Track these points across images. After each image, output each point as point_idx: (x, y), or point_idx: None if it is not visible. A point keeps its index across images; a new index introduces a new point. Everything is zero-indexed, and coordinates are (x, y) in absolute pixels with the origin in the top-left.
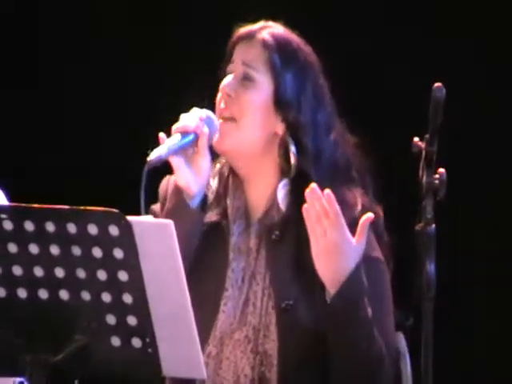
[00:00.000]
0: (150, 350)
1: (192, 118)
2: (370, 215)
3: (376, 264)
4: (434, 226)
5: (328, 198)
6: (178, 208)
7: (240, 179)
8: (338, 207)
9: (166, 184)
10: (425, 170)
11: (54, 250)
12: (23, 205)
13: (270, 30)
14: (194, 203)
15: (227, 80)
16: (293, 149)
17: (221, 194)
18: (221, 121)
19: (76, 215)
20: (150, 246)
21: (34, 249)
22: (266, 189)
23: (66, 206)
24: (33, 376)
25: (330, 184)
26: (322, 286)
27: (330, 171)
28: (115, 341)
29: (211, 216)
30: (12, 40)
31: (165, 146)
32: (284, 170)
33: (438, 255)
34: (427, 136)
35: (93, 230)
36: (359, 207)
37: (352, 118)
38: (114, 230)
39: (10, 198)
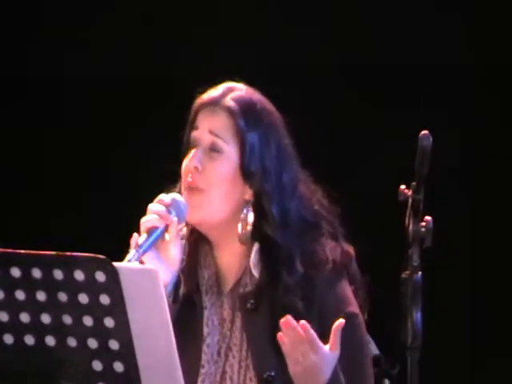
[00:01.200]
0: None
1: (157, 211)
2: (341, 321)
3: (351, 320)
4: (420, 273)
5: (303, 327)
6: None
7: (210, 245)
8: (313, 334)
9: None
10: (411, 217)
11: (41, 296)
12: (9, 251)
13: (233, 94)
14: (167, 290)
15: (194, 152)
16: (250, 218)
17: (191, 265)
18: (186, 192)
19: (62, 261)
20: (137, 292)
21: (20, 295)
22: (236, 254)
23: (53, 252)
24: None
25: (298, 243)
26: None
27: (298, 231)
28: None
29: (183, 288)
30: None
31: (134, 250)
32: (254, 237)
33: (424, 303)
34: (414, 184)
35: (79, 276)
36: (330, 264)
37: (338, 165)
38: (100, 276)
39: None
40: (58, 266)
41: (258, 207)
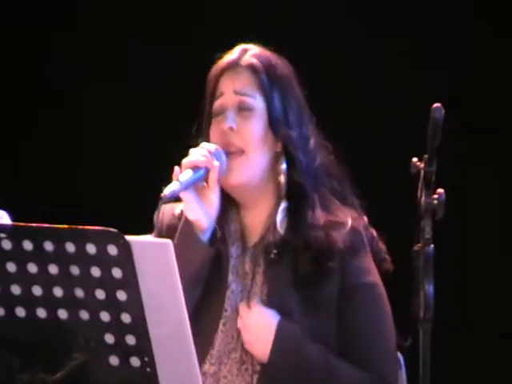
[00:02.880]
0: (148, 370)
1: (202, 153)
2: None
3: (370, 290)
4: (432, 246)
5: None
6: (190, 243)
7: (236, 205)
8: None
9: (162, 211)
10: (423, 190)
11: (53, 269)
12: (22, 224)
13: (250, 52)
14: (205, 237)
15: (224, 115)
16: (284, 166)
17: (217, 219)
18: (227, 154)
19: (75, 234)
20: (149, 266)
21: (32, 268)
22: (262, 213)
23: (65, 226)
24: None
25: (322, 202)
26: (325, 308)
27: (320, 180)
28: (114, 360)
29: (217, 243)
30: None
31: (178, 182)
32: (282, 191)
33: (436, 275)
34: (426, 156)
35: (91, 249)
36: (348, 226)
37: (351, 137)
38: (112, 250)
39: (14, 220)
40: (70, 239)
41: (287, 156)
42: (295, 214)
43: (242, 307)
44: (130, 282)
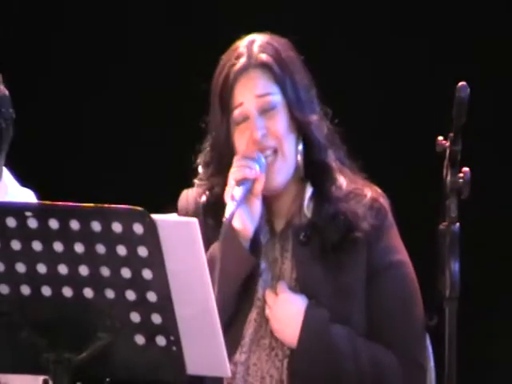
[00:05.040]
0: (174, 349)
1: (248, 165)
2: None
3: (397, 269)
4: (458, 224)
5: None
6: (235, 252)
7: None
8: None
9: (186, 198)
10: (449, 169)
11: (79, 248)
12: (48, 203)
13: (257, 45)
14: (248, 245)
15: (251, 124)
16: (300, 147)
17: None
18: (265, 157)
19: (100, 213)
20: (175, 245)
21: (58, 247)
22: (288, 199)
23: (91, 204)
24: (56, 375)
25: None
26: (354, 290)
27: (339, 153)
28: (139, 339)
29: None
30: None
31: (233, 202)
32: (305, 173)
33: (462, 254)
34: (451, 135)
35: (117, 228)
36: (368, 198)
37: (378, 117)
38: (138, 228)
39: (39, 199)
40: (96, 217)
41: (304, 138)
42: (320, 195)
43: (269, 295)
44: (156, 260)
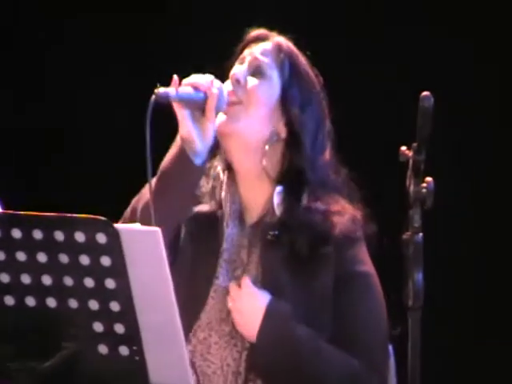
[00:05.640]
0: (137, 358)
1: (204, 78)
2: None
3: (363, 279)
4: (421, 234)
5: None
6: (181, 161)
7: (235, 179)
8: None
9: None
10: (412, 179)
11: (42, 257)
12: (10, 212)
13: (283, 38)
14: (197, 161)
15: (239, 67)
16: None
17: (215, 189)
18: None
19: (63, 223)
20: (138, 254)
21: (21, 256)
22: (262, 195)
23: (54, 214)
24: (19, 383)
25: (322, 185)
26: (319, 294)
27: (324, 176)
28: (102, 348)
29: (205, 207)
30: None
31: (174, 89)
32: (281, 175)
33: (426, 264)
34: (415, 145)
35: (80, 237)
36: (348, 215)
37: (339, 127)
38: (101, 238)
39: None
40: (59, 227)
41: (292, 141)
42: (293, 198)
43: (233, 287)
44: (119, 270)
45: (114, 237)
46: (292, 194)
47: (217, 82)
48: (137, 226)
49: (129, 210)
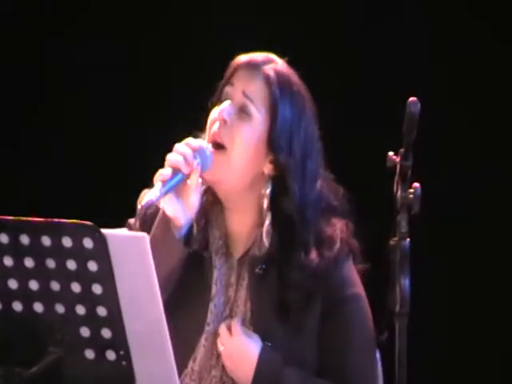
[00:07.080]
0: (124, 363)
1: (184, 153)
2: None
3: (350, 305)
4: (408, 240)
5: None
6: (164, 237)
7: (222, 209)
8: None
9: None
10: (399, 184)
11: (29, 262)
12: None
13: (273, 65)
14: (180, 234)
15: (225, 105)
16: (268, 191)
17: (202, 224)
18: (210, 147)
19: (50, 228)
20: (125, 259)
21: (8, 261)
22: (248, 223)
23: (41, 219)
24: None
25: (313, 226)
26: (308, 331)
27: (312, 213)
28: (89, 353)
29: (193, 244)
30: None
31: (156, 189)
32: (266, 209)
33: (412, 270)
34: (402, 150)
35: (67, 242)
36: (338, 244)
37: (327, 132)
38: (88, 243)
39: None
40: (46, 232)
41: (279, 182)
42: (282, 234)
43: (223, 331)
44: (106, 275)
45: (101, 242)
46: (282, 230)
47: (196, 144)
48: (123, 231)
49: None
